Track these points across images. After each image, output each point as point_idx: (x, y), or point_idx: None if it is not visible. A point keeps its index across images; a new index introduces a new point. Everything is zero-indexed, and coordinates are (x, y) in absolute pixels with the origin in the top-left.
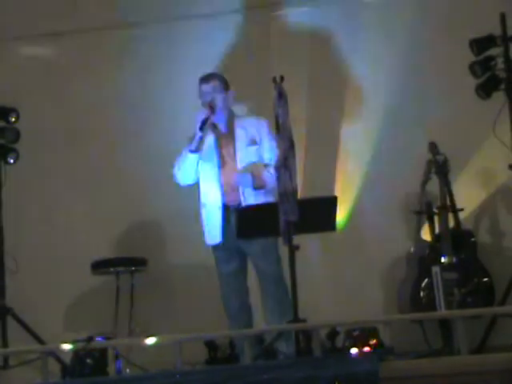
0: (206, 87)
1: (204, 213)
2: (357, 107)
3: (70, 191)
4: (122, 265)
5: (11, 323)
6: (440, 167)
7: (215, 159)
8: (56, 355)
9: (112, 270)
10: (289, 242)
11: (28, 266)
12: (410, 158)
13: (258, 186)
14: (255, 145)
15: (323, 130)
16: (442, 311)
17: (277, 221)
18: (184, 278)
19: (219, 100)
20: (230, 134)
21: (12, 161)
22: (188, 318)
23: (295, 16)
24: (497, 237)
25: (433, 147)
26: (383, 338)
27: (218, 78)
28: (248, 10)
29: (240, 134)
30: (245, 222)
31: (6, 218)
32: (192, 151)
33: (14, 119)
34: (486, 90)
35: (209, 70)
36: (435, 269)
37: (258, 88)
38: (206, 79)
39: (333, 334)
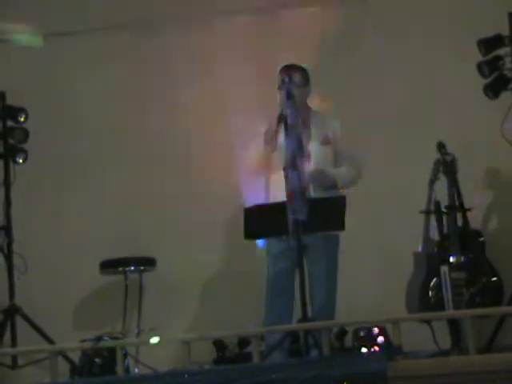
0: (287, 80)
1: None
2: (364, 107)
3: (79, 191)
4: (131, 264)
5: (20, 323)
6: (448, 167)
7: None
8: (65, 355)
9: (121, 269)
10: (297, 241)
11: (37, 266)
12: (418, 157)
13: (328, 187)
14: (328, 144)
15: None
16: (451, 311)
17: (286, 220)
18: (192, 278)
19: (298, 95)
20: (305, 129)
21: (21, 161)
22: (196, 318)
23: (300, 17)
24: (505, 236)
25: (441, 147)
26: (391, 337)
27: (301, 72)
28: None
29: (315, 132)
30: (253, 221)
31: (14, 218)
32: (267, 144)
33: (22, 119)
34: (493, 89)
35: (212, 71)
36: (443, 268)
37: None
38: (288, 71)
39: (341, 333)
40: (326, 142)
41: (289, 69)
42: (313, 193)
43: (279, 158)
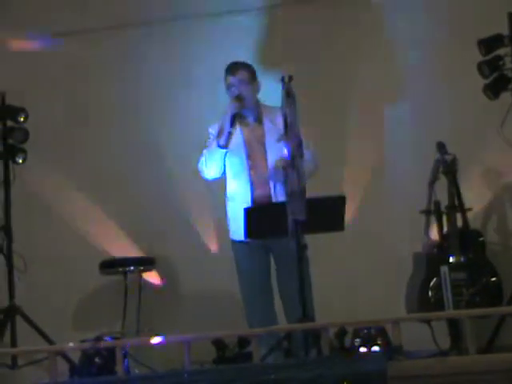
0: (233, 80)
1: (231, 207)
2: (365, 107)
3: (79, 191)
4: (131, 265)
5: (20, 323)
6: (448, 167)
7: (243, 153)
8: (64, 355)
9: (120, 269)
10: (297, 241)
11: (37, 266)
12: (419, 157)
13: None
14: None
15: (332, 129)
16: (450, 311)
17: (285, 220)
18: (192, 278)
19: (246, 92)
20: (259, 126)
21: (20, 160)
22: (196, 317)
23: (301, 15)
24: (505, 236)
25: (441, 147)
26: (391, 337)
27: (246, 69)
28: (256, 10)
29: (269, 128)
30: (253, 221)
31: (14, 218)
32: (221, 147)
33: (22, 119)
34: (493, 89)
35: (215, 69)
36: (443, 268)
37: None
38: (232, 71)
39: (341, 333)
40: (281, 137)
41: (235, 69)
42: (274, 190)
43: (236, 161)
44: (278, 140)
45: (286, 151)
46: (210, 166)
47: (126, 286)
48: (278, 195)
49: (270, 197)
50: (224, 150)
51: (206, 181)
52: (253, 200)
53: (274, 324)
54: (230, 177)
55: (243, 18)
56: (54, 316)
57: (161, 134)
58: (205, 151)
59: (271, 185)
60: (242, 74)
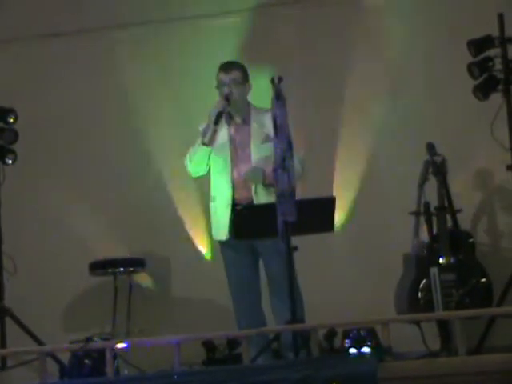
0: (225, 78)
1: (213, 207)
2: (355, 108)
3: (69, 192)
4: (120, 265)
5: (10, 324)
6: (438, 168)
7: (228, 153)
8: (54, 356)
9: (110, 270)
10: (287, 243)
11: (26, 267)
12: (408, 158)
13: (268, 183)
14: (270, 141)
15: (322, 131)
16: (440, 312)
17: (275, 221)
18: (182, 279)
19: (237, 92)
20: (246, 127)
21: (10, 162)
22: (186, 319)
23: (296, 16)
24: (495, 237)
25: (430, 148)
26: (381, 338)
27: (239, 69)
28: (249, 11)
29: (255, 129)
30: (243, 222)
31: (4, 219)
32: (205, 144)
33: (12, 120)
34: (483, 90)
35: (208, 69)
36: (433, 270)
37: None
38: (225, 69)
39: (331, 334)
40: (266, 139)
41: (228, 67)
42: (255, 192)
43: (220, 160)
44: (263, 141)
45: (271, 153)
46: (193, 164)
47: (115, 287)
48: (259, 198)
49: (251, 198)
50: (208, 148)
51: (193, 179)
52: (233, 201)
53: (262, 323)
54: (213, 176)
55: (232, 20)
56: (44, 317)
57: (152, 134)
58: (191, 148)
59: (252, 187)
60: (235, 74)
